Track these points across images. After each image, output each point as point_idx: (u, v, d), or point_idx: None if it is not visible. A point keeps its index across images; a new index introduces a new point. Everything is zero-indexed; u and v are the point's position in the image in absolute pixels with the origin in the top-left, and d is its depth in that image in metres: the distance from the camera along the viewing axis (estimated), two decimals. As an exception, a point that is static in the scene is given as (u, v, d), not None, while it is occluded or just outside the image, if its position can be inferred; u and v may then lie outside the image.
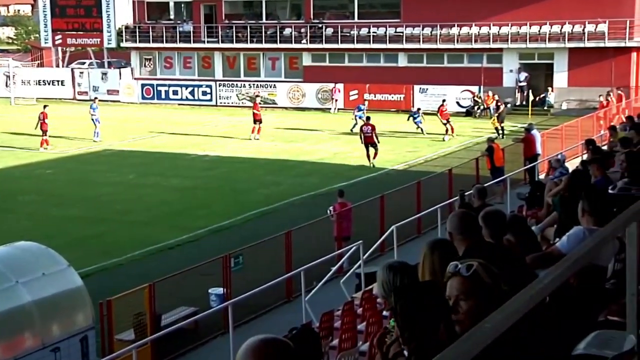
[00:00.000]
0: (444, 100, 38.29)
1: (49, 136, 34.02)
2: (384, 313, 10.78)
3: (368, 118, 30.92)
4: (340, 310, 11.49)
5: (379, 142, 29.54)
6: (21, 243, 13.57)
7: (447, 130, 35.18)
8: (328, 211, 18.50)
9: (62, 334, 12.23)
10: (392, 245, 16.61)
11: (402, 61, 46.56)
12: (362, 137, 29.92)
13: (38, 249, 13.15)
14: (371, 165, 29.28)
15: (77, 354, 12.30)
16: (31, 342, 11.88)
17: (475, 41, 44.21)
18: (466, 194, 13.33)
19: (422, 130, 36.12)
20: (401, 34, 45.78)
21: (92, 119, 35.89)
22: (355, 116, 36.60)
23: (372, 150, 29.49)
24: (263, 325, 14.61)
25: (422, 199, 20.89)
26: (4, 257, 12.56)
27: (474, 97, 42.95)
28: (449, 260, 4.22)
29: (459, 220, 5.57)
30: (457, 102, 43.50)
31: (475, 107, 42.46)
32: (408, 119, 37.10)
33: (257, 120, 36.29)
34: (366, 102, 40.23)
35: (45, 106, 35.75)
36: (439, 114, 35.94)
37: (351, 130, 36.40)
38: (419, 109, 37.71)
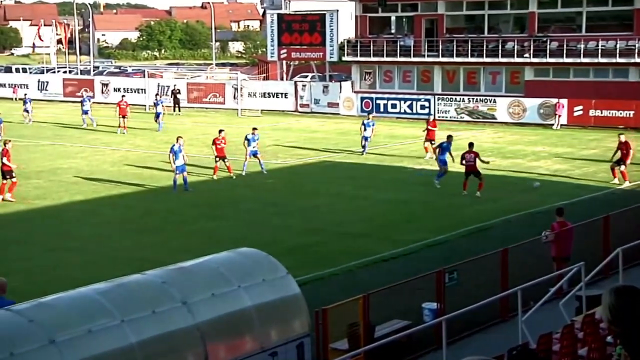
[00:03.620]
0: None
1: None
2: (608, 339, 10.24)
3: (471, 145, 27.90)
4: (559, 333, 11.03)
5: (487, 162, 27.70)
6: (243, 249, 14.06)
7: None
8: (543, 236, 17.72)
9: (279, 339, 12.55)
10: (617, 268, 15.77)
11: (634, 76, 44.33)
12: (465, 165, 27.20)
13: (259, 255, 13.56)
14: (467, 193, 26.82)
15: (293, 359, 12.59)
16: (251, 345, 12.27)
17: None
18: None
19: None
20: (633, 47, 43.61)
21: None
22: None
23: (473, 178, 26.93)
24: (477, 343, 14.33)
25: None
26: (227, 262, 13.07)
27: None
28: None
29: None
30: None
31: None
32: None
33: (431, 140, 34.38)
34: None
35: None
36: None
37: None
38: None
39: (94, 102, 52.02)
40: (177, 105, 54.18)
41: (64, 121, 49.39)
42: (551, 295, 14.58)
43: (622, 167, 28.69)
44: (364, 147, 35.86)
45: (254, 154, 31.32)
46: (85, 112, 47.02)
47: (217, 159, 30.69)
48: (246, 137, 31.68)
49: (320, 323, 13.18)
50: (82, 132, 44.98)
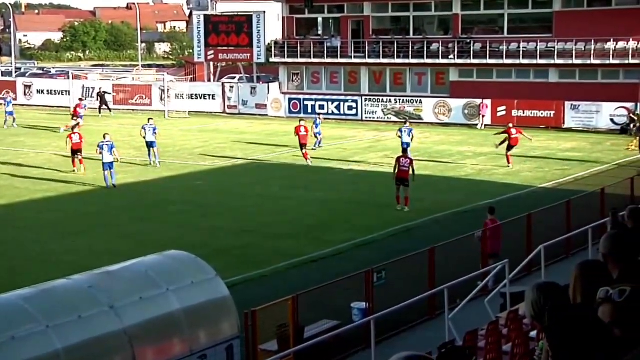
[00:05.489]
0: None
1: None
2: (531, 334, 10.48)
3: (405, 150, 27.01)
4: (485, 329, 11.25)
5: (414, 181, 25.09)
6: (171, 252, 13.98)
7: None
8: (476, 236, 18.13)
9: (208, 341, 12.51)
10: (540, 265, 16.15)
11: (553, 77, 45.42)
12: (397, 170, 25.24)
13: (187, 258, 13.50)
14: (401, 208, 25.00)
15: (222, 361, 12.55)
16: (179, 348, 12.21)
17: (633, 56, 42.59)
18: (619, 214, 12.79)
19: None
20: (552, 49, 44.68)
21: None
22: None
23: (403, 190, 25.07)
24: (405, 341, 14.50)
25: (572, 218, 20.24)
26: (155, 265, 12.97)
27: (629, 114, 41.26)
28: (602, 284, 4.04)
29: (612, 243, 5.31)
30: (612, 119, 42.01)
31: (631, 125, 40.76)
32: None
33: (304, 144, 33.83)
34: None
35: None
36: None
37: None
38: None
39: (15, 105, 51.18)
40: (104, 106, 53.43)
41: (-16, 124, 48.23)
42: (477, 292, 14.86)
43: (509, 152, 31.84)
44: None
45: (151, 145, 33.17)
46: (10, 114, 46.68)
47: (74, 153, 31.94)
48: (143, 127, 33.72)
49: (249, 324, 13.19)
50: (5, 134, 44.01)
